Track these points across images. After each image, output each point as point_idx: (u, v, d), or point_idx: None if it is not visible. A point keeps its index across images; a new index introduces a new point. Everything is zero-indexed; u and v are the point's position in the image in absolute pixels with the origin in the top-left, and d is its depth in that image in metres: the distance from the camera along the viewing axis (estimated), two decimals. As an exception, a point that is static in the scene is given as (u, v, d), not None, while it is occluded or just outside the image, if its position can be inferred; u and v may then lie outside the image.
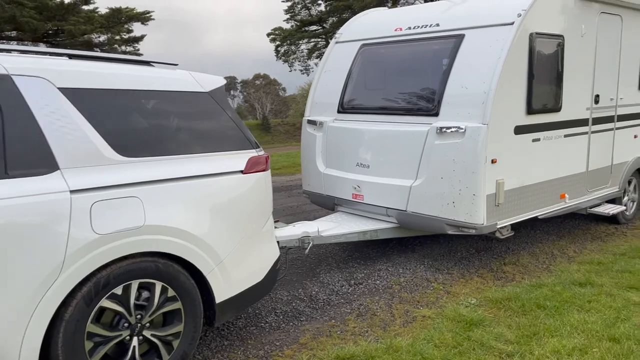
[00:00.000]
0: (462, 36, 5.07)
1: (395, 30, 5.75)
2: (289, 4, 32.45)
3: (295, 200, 8.58)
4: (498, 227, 4.92)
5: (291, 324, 4.00)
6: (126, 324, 2.91)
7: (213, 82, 3.47)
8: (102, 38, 23.36)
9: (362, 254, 5.65)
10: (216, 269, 3.21)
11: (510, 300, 4.25)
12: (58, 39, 22.05)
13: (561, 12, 5.34)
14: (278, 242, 4.60)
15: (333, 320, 4.04)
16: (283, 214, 7.67)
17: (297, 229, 4.88)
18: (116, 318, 2.90)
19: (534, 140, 5.16)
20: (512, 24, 4.78)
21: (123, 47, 25.11)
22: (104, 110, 2.91)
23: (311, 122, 6.08)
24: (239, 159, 3.41)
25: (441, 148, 4.83)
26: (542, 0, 5.00)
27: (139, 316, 2.95)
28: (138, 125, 3.04)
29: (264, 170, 3.54)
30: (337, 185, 5.71)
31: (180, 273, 3.09)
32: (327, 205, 6.01)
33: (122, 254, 2.83)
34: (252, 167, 3.45)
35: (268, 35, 36.64)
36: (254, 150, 3.51)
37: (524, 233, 6.25)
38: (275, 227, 4.83)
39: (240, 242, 3.35)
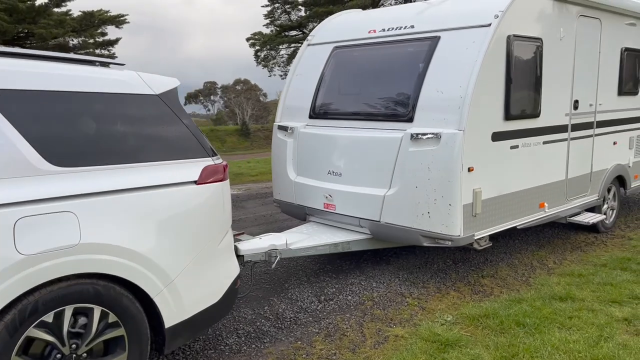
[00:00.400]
0: (437, 38, 4.85)
1: (369, 32, 5.51)
2: (269, 8, 32.21)
3: (269, 208, 8.27)
4: (476, 238, 4.69)
5: (253, 346, 3.69)
6: (59, 355, 2.58)
7: (164, 83, 3.17)
8: (75, 41, 22.83)
9: (334, 266, 5.37)
10: (165, 291, 2.89)
11: (488, 317, 4.00)
12: (28, 42, 21.46)
13: (539, 14, 5.15)
14: (242, 256, 4.32)
15: (299, 342, 3.74)
16: (255, 223, 7.35)
17: (264, 241, 4.58)
18: (47, 349, 2.57)
19: (512, 147, 4.95)
20: (489, 25, 4.57)
21: (98, 51, 24.60)
22: (34, 115, 2.58)
23: (282, 128, 5.80)
24: (192, 168, 3.11)
25: (416, 155, 4.58)
26: (520, 1, 4.80)
27: (74, 346, 2.62)
28: (75, 132, 2.72)
29: (221, 180, 3.24)
30: (309, 194, 5.43)
31: (123, 296, 2.77)
32: (298, 215, 5.72)
33: (53, 276, 2.51)
34: (207, 176, 3.14)
35: (247, 40, 36.26)
36: (209, 158, 3.21)
37: (503, 243, 6.03)
38: (240, 240, 4.53)
39: (194, 260, 3.04)
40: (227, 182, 3.36)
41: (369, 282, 4.88)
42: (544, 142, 5.32)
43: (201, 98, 79.58)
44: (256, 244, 4.51)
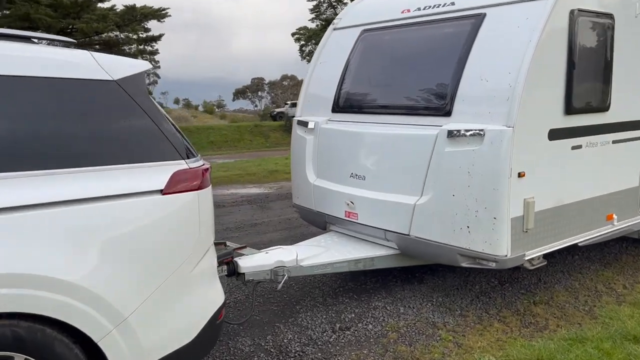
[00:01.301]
0: (482, 15, 4.01)
1: (402, 12, 4.71)
2: (315, 3, 31.60)
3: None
4: (526, 258, 3.84)
5: (245, 390, 3.02)
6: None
7: (126, 67, 2.51)
8: (119, 36, 22.89)
9: (357, 283, 4.63)
10: (115, 332, 2.24)
11: (541, 362, 3.18)
12: (73, 38, 21.63)
13: (610, -15, 4.23)
14: (243, 274, 3.65)
15: (301, 387, 3.05)
16: (276, 228, 6.69)
17: (270, 257, 3.90)
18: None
19: (574, 148, 4.06)
20: (547, -3, 3.70)
21: (141, 47, 24.65)
22: None
23: (301, 124, 5.09)
24: (157, 173, 2.45)
25: (453, 157, 3.78)
26: (587, -31, 3.90)
27: (-15, 407, 2.01)
28: (-8, 127, 2.10)
29: (197, 189, 2.57)
30: (329, 200, 4.70)
31: (56, 340, 2.13)
32: (317, 223, 5.01)
33: (-51, 318, 1.90)
34: (177, 184, 2.47)
35: (293, 35, 35.90)
36: (182, 161, 2.54)
37: (559, 259, 5.12)
38: (243, 255, 3.87)
39: (157, 290, 2.38)
40: (208, 190, 2.68)
41: (396, 307, 4.11)
42: (614, 141, 4.39)
43: (249, 94, 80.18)
44: (260, 260, 3.83)
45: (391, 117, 4.37)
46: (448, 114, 3.94)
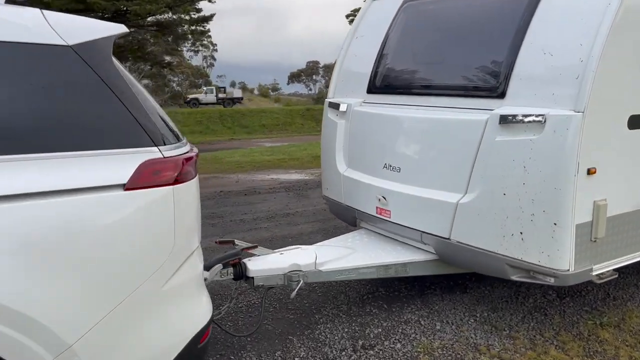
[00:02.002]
0: (548, -25, 3.28)
1: (452, -24, 4.02)
2: (369, -18, 30.56)
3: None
4: (594, 273, 3.15)
5: (238, 422, 2.53)
6: None
7: (86, 30, 2.03)
8: (170, 18, 22.86)
9: (389, 290, 4.05)
10: (56, 363, 1.79)
11: (609, 410, 2.52)
12: (127, 20, 21.74)
13: None
14: (252, 278, 3.16)
15: (305, 423, 2.53)
16: (310, 219, 6.17)
17: (284, 258, 3.38)
18: None
19: (660, 139, 3.30)
20: (633, -52, 2.95)
21: (193, 27, 24.59)
22: None
23: (333, 106, 4.51)
24: (120, 163, 1.96)
25: (506, 147, 3.11)
26: None
27: None
28: None
29: (174, 183, 2.06)
30: (359, 194, 4.13)
31: (-26, 374, 1.70)
32: (347, 218, 4.45)
33: None
34: (144, 177, 1.98)
35: (347, 17, 35.05)
36: (154, 148, 2.03)
37: (633, 270, 4.34)
38: (255, 255, 3.37)
39: (113, 312, 1.90)
40: (190, 184, 2.17)
41: (432, 321, 3.51)
42: None
43: (303, 77, 79.95)
44: (272, 263, 3.32)
45: (434, 99, 3.72)
46: (501, 95, 3.26)
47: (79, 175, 1.86)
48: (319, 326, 3.45)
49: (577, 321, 3.53)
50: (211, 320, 2.32)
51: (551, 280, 3.07)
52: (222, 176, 10.02)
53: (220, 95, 42.51)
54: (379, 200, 3.83)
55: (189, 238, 2.18)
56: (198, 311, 2.24)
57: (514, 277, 3.21)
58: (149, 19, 22.43)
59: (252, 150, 15.59)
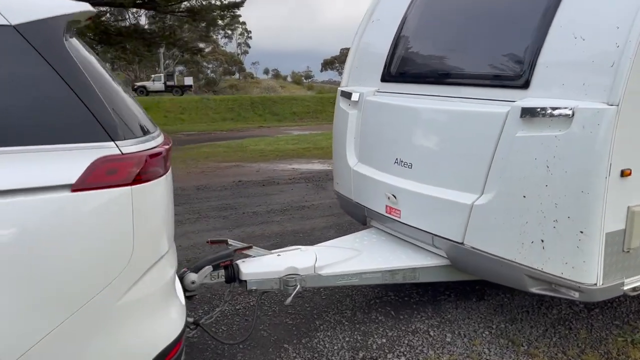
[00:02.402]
0: (582, -51, 2.89)
1: (476, -47, 3.65)
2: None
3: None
4: (626, 288, 2.79)
5: None
6: None
7: (33, 8, 1.79)
8: (201, 4, 22.77)
9: (398, 295, 3.76)
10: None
11: None
12: (157, 6, 21.74)
13: None
14: (245, 281, 2.92)
15: None
16: (325, 213, 5.91)
17: (281, 260, 3.13)
18: None
19: None
20: None
21: (223, 13, 24.44)
22: None
23: (345, 95, 4.21)
24: (69, 160, 1.73)
25: (527, 144, 2.77)
26: None
27: None
28: None
29: (133, 182, 1.82)
30: (369, 190, 3.83)
31: None
32: (356, 216, 4.16)
33: None
34: (97, 176, 1.74)
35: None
36: (111, 143, 1.79)
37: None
38: (250, 256, 3.13)
39: (55, 333, 1.68)
40: (156, 183, 1.93)
41: (442, 332, 3.21)
42: None
43: (337, 65, 79.28)
44: (267, 265, 3.07)
45: (451, 89, 3.38)
46: (525, 85, 2.91)
47: (19, 174, 1.64)
48: (318, 334, 3.20)
49: (606, 337, 3.17)
50: (182, 334, 2.09)
51: (575, 295, 2.73)
52: (243, 165, 9.85)
53: (169, 83, 41.08)
54: (389, 198, 3.53)
55: (153, 245, 1.94)
56: (164, 326, 2.01)
57: (534, 290, 2.88)
58: (179, 5, 22.41)
59: (278, 139, 15.40)
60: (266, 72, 77.58)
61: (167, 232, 2.06)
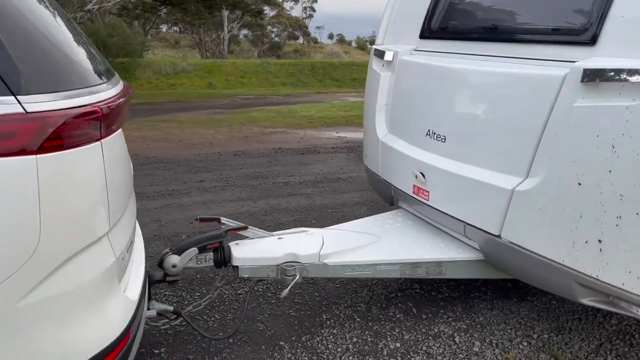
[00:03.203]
0: None
1: None
2: None
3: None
4: None
5: None
6: None
7: None
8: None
9: (425, 289, 3.25)
10: None
11: None
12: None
13: None
14: (237, 267, 2.53)
15: None
16: (361, 187, 5.41)
17: (281, 244, 2.69)
18: None
19: None
20: None
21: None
22: None
23: (378, 54, 3.65)
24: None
25: (588, 117, 2.16)
26: None
27: None
28: None
29: (44, 150, 1.42)
30: (397, 166, 3.30)
31: None
32: (384, 195, 3.65)
33: None
34: (-7, 143, 1.35)
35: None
36: (10, 97, 1.38)
37: None
38: (247, 238, 2.73)
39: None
40: (82, 151, 1.52)
41: (470, 338, 2.70)
42: None
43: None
44: (264, 250, 2.65)
45: (500, 47, 2.76)
46: (591, 41, 2.26)
47: None
48: (323, 331, 2.77)
49: (678, 361, 2.55)
50: (123, 337, 1.70)
51: (639, 312, 2.13)
52: (288, 131, 9.45)
53: None
54: (416, 177, 2.99)
55: (77, 230, 1.54)
56: (96, 328, 1.62)
57: (585, 301, 2.30)
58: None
59: (332, 105, 14.87)
60: (330, 37, 76.29)
61: (107, 211, 1.66)
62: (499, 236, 2.54)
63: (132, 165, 2.40)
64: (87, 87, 1.60)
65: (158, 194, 5.09)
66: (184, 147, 7.69)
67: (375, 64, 3.68)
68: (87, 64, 1.74)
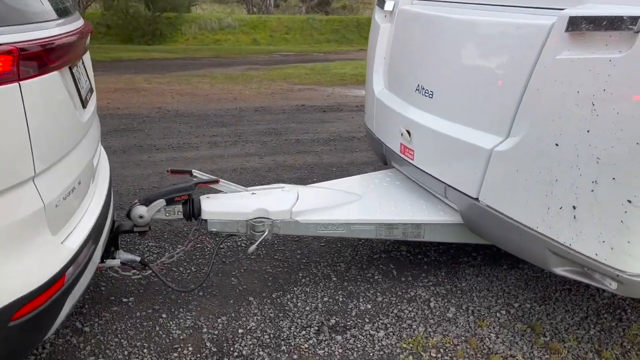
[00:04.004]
0: None
1: None
2: None
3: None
4: (693, 284, 1.97)
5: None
6: None
7: None
8: None
9: (412, 251, 3.14)
10: None
11: None
12: None
13: None
14: (205, 221, 2.51)
15: None
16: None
17: (252, 200, 2.64)
18: None
19: None
20: None
21: None
22: None
23: (380, 4, 3.45)
24: None
25: (569, 71, 1.96)
26: None
27: None
28: None
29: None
30: (388, 124, 3.16)
31: None
32: (378, 154, 3.51)
33: None
34: None
35: None
36: None
37: None
38: (221, 192, 2.69)
39: None
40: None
41: (445, 304, 2.59)
42: None
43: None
44: (233, 205, 2.60)
45: (499, -5, 2.54)
46: (583, -14, 2.03)
47: None
48: (295, 288, 2.73)
49: (667, 340, 2.37)
50: (51, 282, 1.69)
51: (612, 286, 1.97)
52: (317, 88, 9.29)
53: None
54: (402, 134, 2.85)
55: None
56: (14, 274, 1.61)
57: (558, 271, 2.15)
58: None
59: (369, 63, 14.48)
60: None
61: (30, 155, 1.62)
62: (477, 199, 2.40)
63: (95, 113, 2.38)
64: (7, 26, 1.55)
65: (168, 146, 5.12)
66: (208, 101, 7.68)
67: (377, 15, 3.50)
68: (18, 2, 1.68)
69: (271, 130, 5.88)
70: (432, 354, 2.26)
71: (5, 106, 1.52)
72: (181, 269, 2.88)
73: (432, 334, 2.40)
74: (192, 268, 2.90)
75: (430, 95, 2.71)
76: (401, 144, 2.91)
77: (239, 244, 3.16)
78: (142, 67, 12.64)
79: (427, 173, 2.71)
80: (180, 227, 3.34)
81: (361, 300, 2.64)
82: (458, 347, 2.31)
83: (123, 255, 2.44)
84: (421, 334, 2.39)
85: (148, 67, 12.51)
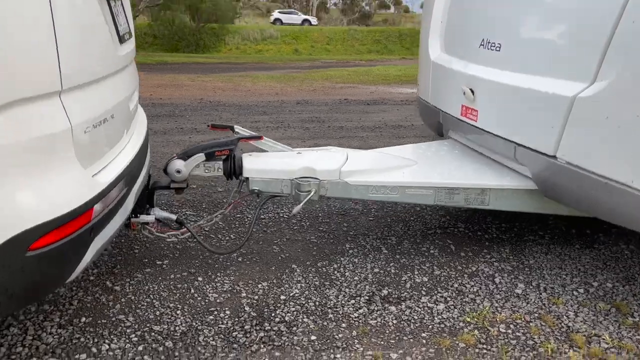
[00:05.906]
0: None
1: None
2: None
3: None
4: None
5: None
6: None
7: None
8: None
9: (470, 228, 2.84)
10: None
11: None
12: None
13: None
14: (247, 179, 2.31)
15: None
16: (424, 134, 4.99)
17: (299, 159, 2.41)
18: None
19: None
20: None
21: None
22: None
23: (438, -33, 3.21)
24: None
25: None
26: None
27: None
28: None
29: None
30: (446, 87, 2.89)
31: None
32: (433, 125, 3.24)
33: None
34: None
35: None
36: None
37: None
38: (263, 150, 2.49)
39: None
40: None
41: (512, 281, 2.29)
42: None
43: None
44: (279, 163, 2.38)
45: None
46: None
47: None
48: (342, 259, 2.48)
49: None
50: (73, 215, 1.49)
51: None
52: (360, 87, 9.09)
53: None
54: (464, 93, 2.58)
55: (10, 74, 1.34)
56: (34, 196, 1.42)
57: (657, 233, 1.83)
58: None
59: (413, 66, 14.22)
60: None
61: (57, 67, 1.44)
62: (554, 157, 2.10)
63: (134, 44, 2.22)
64: None
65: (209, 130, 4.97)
66: (250, 95, 7.58)
67: (433, -21, 3.24)
68: None
69: (314, 118, 5.68)
70: (500, 329, 1.96)
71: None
72: (220, 235, 2.67)
73: (499, 309, 2.10)
74: (232, 235, 2.69)
75: (498, 48, 2.44)
76: (462, 105, 2.64)
77: (281, 215, 2.94)
78: (186, 69, 12.75)
79: (492, 134, 2.43)
80: (220, 198, 3.15)
81: (416, 272, 2.36)
82: (531, 324, 2.00)
83: (158, 212, 2.25)
84: (487, 308, 2.10)
85: (191, 69, 12.60)
